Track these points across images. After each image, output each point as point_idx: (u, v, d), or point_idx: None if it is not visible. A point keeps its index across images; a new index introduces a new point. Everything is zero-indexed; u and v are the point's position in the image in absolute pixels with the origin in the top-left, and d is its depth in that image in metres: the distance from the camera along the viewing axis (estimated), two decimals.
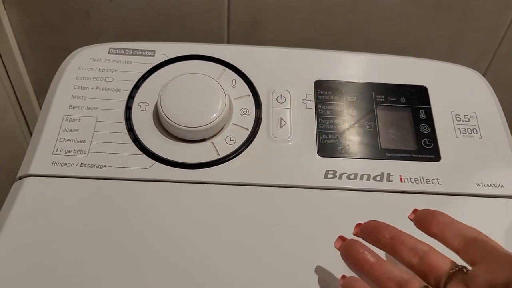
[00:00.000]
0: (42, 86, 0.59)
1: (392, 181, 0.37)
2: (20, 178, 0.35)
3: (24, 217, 0.33)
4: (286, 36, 0.55)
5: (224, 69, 0.41)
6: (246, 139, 0.38)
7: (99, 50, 0.41)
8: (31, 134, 0.63)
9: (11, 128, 0.57)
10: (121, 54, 0.41)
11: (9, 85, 0.56)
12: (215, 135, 0.38)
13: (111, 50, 0.41)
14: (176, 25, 0.53)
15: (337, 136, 0.39)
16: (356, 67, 0.42)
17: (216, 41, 0.55)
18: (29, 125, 0.61)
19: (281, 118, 0.39)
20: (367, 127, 0.39)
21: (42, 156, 0.35)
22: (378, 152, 0.38)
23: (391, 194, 0.36)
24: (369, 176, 0.37)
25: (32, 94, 0.59)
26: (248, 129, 0.38)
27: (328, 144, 0.38)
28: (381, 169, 0.37)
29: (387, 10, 0.52)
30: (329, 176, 0.36)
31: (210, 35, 0.54)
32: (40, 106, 0.62)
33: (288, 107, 0.40)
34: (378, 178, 0.37)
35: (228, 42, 0.55)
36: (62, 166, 0.35)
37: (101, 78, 0.39)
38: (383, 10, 0.52)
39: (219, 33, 0.54)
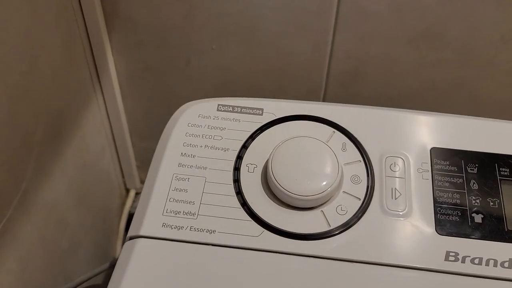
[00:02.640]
0: (137, 126, 0.61)
1: None
2: (131, 238, 0.35)
3: (138, 280, 0.32)
4: (386, 88, 0.53)
5: (334, 132, 0.39)
6: (358, 210, 0.36)
7: (208, 106, 0.41)
8: (122, 172, 0.65)
9: (105, 167, 0.59)
10: (230, 111, 0.41)
11: (108, 126, 0.58)
12: (325, 202, 0.36)
13: (220, 107, 0.41)
14: (275, 74, 0.53)
15: (457, 212, 0.36)
16: (476, 134, 0.39)
17: (313, 90, 0.54)
18: (121, 163, 0.63)
19: (395, 188, 0.37)
20: (491, 203, 0.36)
21: (152, 216, 0.35)
22: (505, 234, 0.35)
23: None
24: (495, 261, 0.33)
25: (127, 134, 0.61)
26: (360, 199, 0.36)
27: (447, 221, 0.35)
28: (510, 254, 0.34)
29: (502, 65, 0.49)
30: (450, 258, 0.34)
31: (307, 84, 0.53)
32: (133, 146, 0.63)
33: (403, 177, 0.37)
34: (506, 264, 0.33)
35: (325, 92, 0.54)
36: (172, 228, 0.35)
37: (210, 136, 0.39)
38: (497, 66, 0.49)
39: (317, 82, 0.53)
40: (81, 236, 0.52)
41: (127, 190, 0.68)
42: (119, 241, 0.65)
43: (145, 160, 0.66)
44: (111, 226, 0.63)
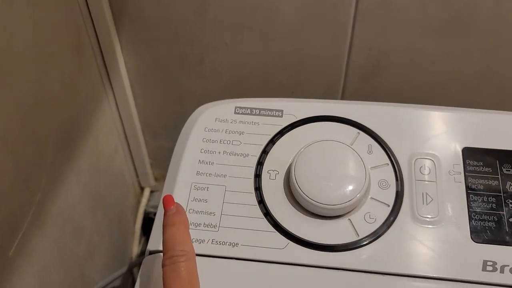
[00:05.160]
0: (149, 124, 0.59)
1: None
2: (151, 252, 0.34)
3: None
4: (409, 81, 0.50)
5: (359, 133, 0.37)
6: (388, 217, 0.34)
7: (225, 109, 0.39)
8: (136, 172, 0.64)
9: (119, 167, 0.58)
10: (248, 114, 0.39)
11: (120, 126, 0.56)
12: (353, 210, 0.34)
13: (237, 110, 0.39)
14: (292, 69, 0.51)
15: (494, 218, 0.34)
16: (511, 131, 0.37)
17: (332, 84, 0.51)
18: (135, 163, 0.62)
19: (426, 193, 0.35)
20: None
21: None
22: None
23: None
24: None
25: (140, 133, 0.59)
26: (389, 205, 0.34)
27: (483, 227, 0.33)
28: None
29: None
30: (488, 268, 0.32)
31: (326, 78, 0.51)
32: (146, 144, 0.62)
33: (434, 180, 0.35)
34: None
35: (345, 86, 0.51)
36: (193, 242, 0.33)
37: (228, 142, 0.37)
38: None
39: (336, 76, 0.51)
40: (97, 240, 0.51)
41: (142, 189, 0.67)
42: (136, 241, 0.64)
43: (158, 158, 0.64)
44: (127, 226, 0.63)
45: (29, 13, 0.35)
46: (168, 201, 0.31)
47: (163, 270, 0.27)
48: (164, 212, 0.31)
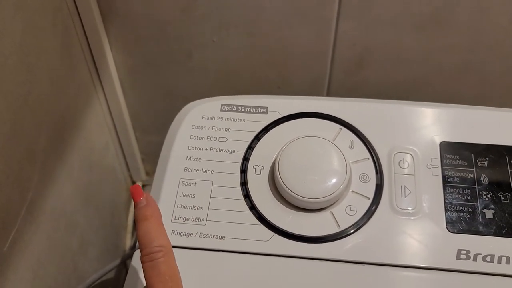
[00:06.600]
0: (140, 120, 0.60)
1: None
2: None
3: None
4: (393, 75, 0.51)
5: (341, 129, 0.39)
6: (368, 209, 0.35)
7: (211, 107, 0.40)
8: (127, 167, 0.65)
9: (111, 163, 0.59)
10: (234, 111, 0.40)
11: (111, 123, 0.57)
12: (334, 203, 0.36)
13: (223, 107, 0.40)
14: (278, 65, 0.52)
15: (468, 209, 0.35)
16: (486, 126, 0.38)
17: (318, 79, 0.53)
18: (126, 158, 0.63)
19: (404, 186, 0.36)
20: (502, 198, 0.35)
21: None
22: None
23: None
24: (508, 258, 0.33)
25: (131, 129, 0.60)
26: (369, 198, 0.36)
27: (458, 218, 0.35)
28: None
29: (511, 48, 0.47)
30: (462, 256, 0.33)
31: (312, 74, 0.52)
32: (137, 139, 0.63)
33: (412, 173, 0.37)
34: None
35: (330, 81, 0.53)
36: (181, 236, 0.35)
37: (215, 138, 0.39)
38: (506, 49, 0.48)
39: (321, 72, 0.52)
40: (90, 235, 0.52)
41: (133, 183, 0.68)
42: (128, 235, 0.66)
43: (149, 152, 0.65)
44: (119, 220, 0.64)
45: (16, 14, 0.36)
46: (137, 192, 0.30)
47: (143, 267, 0.27)
48: (135, 205, 0.30)
